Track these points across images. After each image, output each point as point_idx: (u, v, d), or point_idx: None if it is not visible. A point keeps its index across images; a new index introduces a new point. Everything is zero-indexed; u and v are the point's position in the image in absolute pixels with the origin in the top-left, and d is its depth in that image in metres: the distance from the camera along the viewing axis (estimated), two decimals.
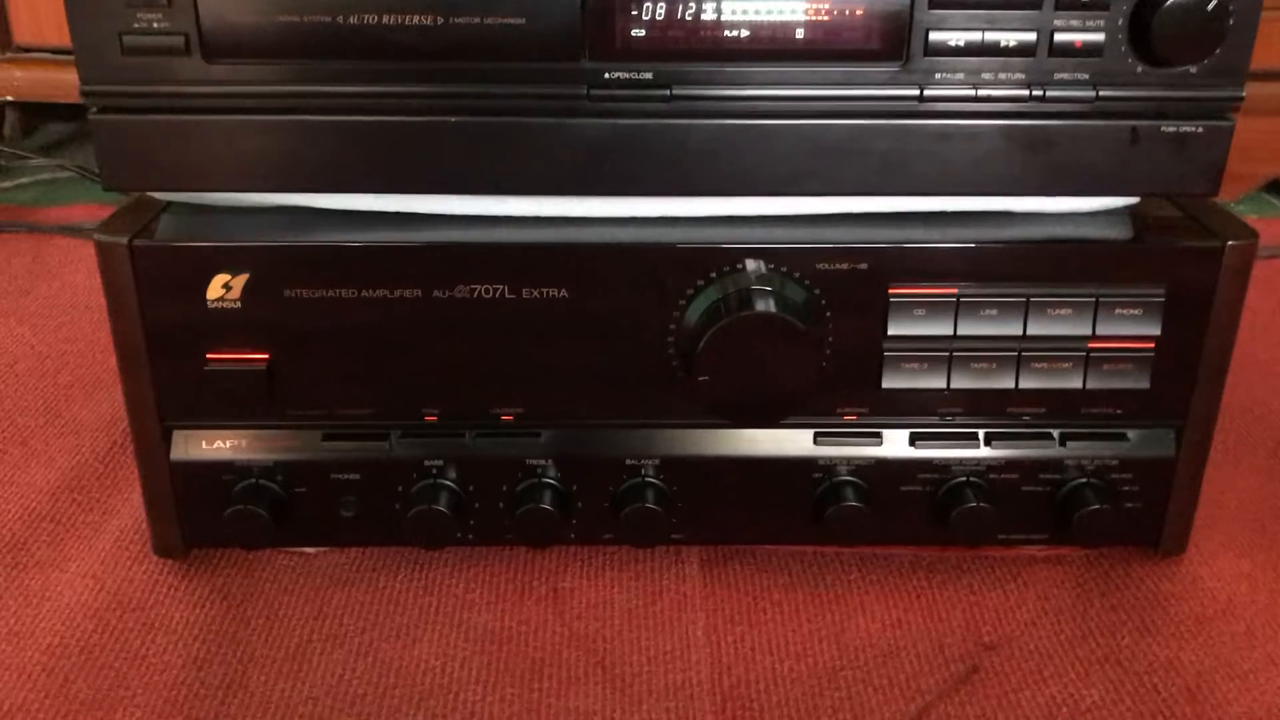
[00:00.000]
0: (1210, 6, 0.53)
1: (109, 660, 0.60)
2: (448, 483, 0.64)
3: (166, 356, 0.61)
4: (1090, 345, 0.62)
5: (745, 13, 0.55)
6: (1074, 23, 0.55)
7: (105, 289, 0.60)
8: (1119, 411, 0.64)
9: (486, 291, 0.60)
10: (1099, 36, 0.55)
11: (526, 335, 0.61)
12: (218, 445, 0.64)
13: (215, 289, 0.60)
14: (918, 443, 0.64)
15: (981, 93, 0.56)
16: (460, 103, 0.57)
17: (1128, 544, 0.68)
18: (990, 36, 0.55)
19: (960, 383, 0.62)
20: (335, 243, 0.59)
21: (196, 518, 0.65)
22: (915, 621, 0.64)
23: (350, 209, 0.61)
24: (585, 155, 0.57)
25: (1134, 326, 0.61)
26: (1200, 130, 0.57)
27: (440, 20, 0.55)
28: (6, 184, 1.30)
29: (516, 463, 0.64)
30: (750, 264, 0.59)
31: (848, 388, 0.63)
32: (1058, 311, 0.61)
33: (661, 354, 0.62)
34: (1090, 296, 0.60)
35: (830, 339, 0.61)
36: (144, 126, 0.57)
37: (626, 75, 0.56)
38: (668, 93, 0.56)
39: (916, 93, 0.56)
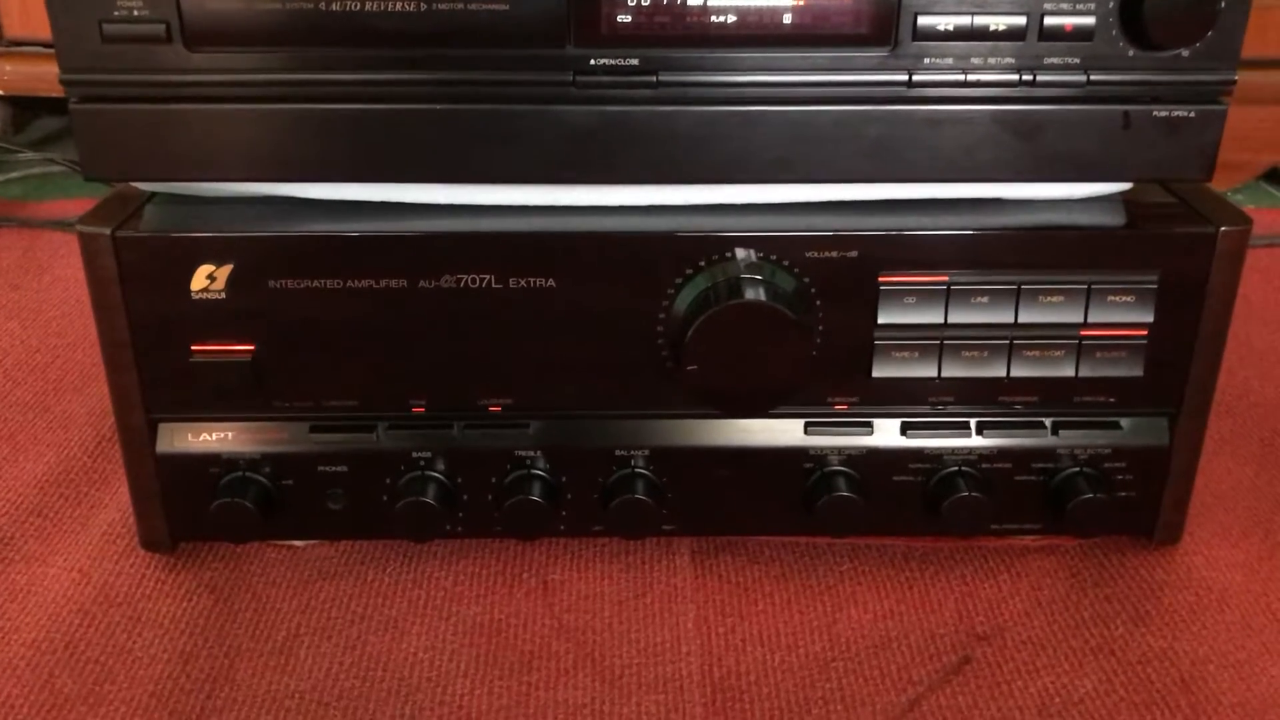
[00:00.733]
0: None
1: (94, 655, 0.60)
2: (436, 474, 0.64)
3: (151, 348, 0.61)
4: (1082, 333, 0.61)
5: None
6: (1064, 6, 0.54)
7: (89, 281, 0.59)
8: (1112, 400, 0.63)
9: (473, 281, 0.60)
10: (1090, 20, 0.55)
11: (514, 325, 0.61)
12: (204, 438, 0.63)
13: (200, 280, 0.59)
14: (909, 432, 0.64)
15: (971, 77, 0.56)
16: (445, 90, 0.56)
17: (1121, 533, 0.68)
18: (980, 20, 0.55)
19: (951, 371, 0.62)
20: (320, 233, 0.59)
21: (183, 511, 0.65)
22: (907, 612, 0.63)
23: (335, 198, 0.61)
24: (571, 143, 0.57)
25: (1127, 314, 0.61)
26: (1193, 114, 0.57)
27: (423, 6, 0.54)
28: None
29: (505, 454, 0.64)
30: (739, 252, 0.59)
31: (838, 377, 0.62)
32: (1049, 299, 0.60)
33: (650, 343, 0.61)
34: (1082, 283, 0.60)
35: (820, 327, 0.61)
36: (125, 115, 0.56)
37: (613, 61, 0.55)
38: (654, 79, 0.56)
39: (905, 78, 0.56)
